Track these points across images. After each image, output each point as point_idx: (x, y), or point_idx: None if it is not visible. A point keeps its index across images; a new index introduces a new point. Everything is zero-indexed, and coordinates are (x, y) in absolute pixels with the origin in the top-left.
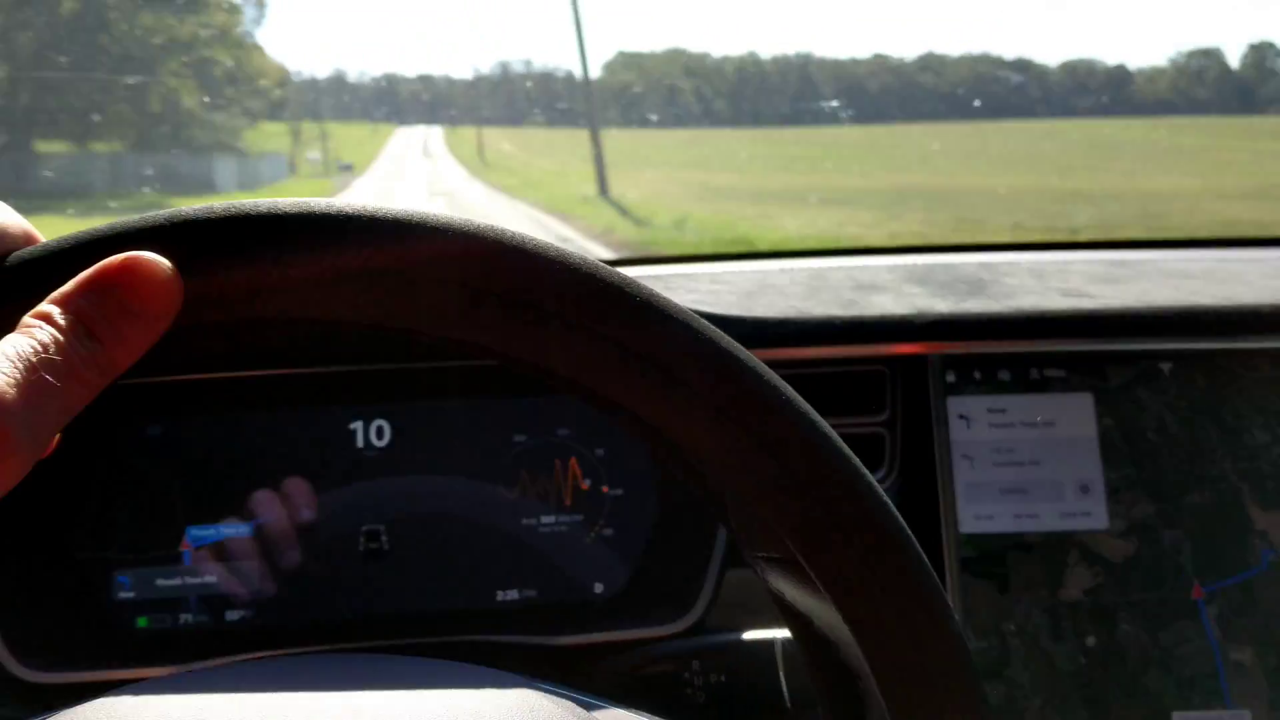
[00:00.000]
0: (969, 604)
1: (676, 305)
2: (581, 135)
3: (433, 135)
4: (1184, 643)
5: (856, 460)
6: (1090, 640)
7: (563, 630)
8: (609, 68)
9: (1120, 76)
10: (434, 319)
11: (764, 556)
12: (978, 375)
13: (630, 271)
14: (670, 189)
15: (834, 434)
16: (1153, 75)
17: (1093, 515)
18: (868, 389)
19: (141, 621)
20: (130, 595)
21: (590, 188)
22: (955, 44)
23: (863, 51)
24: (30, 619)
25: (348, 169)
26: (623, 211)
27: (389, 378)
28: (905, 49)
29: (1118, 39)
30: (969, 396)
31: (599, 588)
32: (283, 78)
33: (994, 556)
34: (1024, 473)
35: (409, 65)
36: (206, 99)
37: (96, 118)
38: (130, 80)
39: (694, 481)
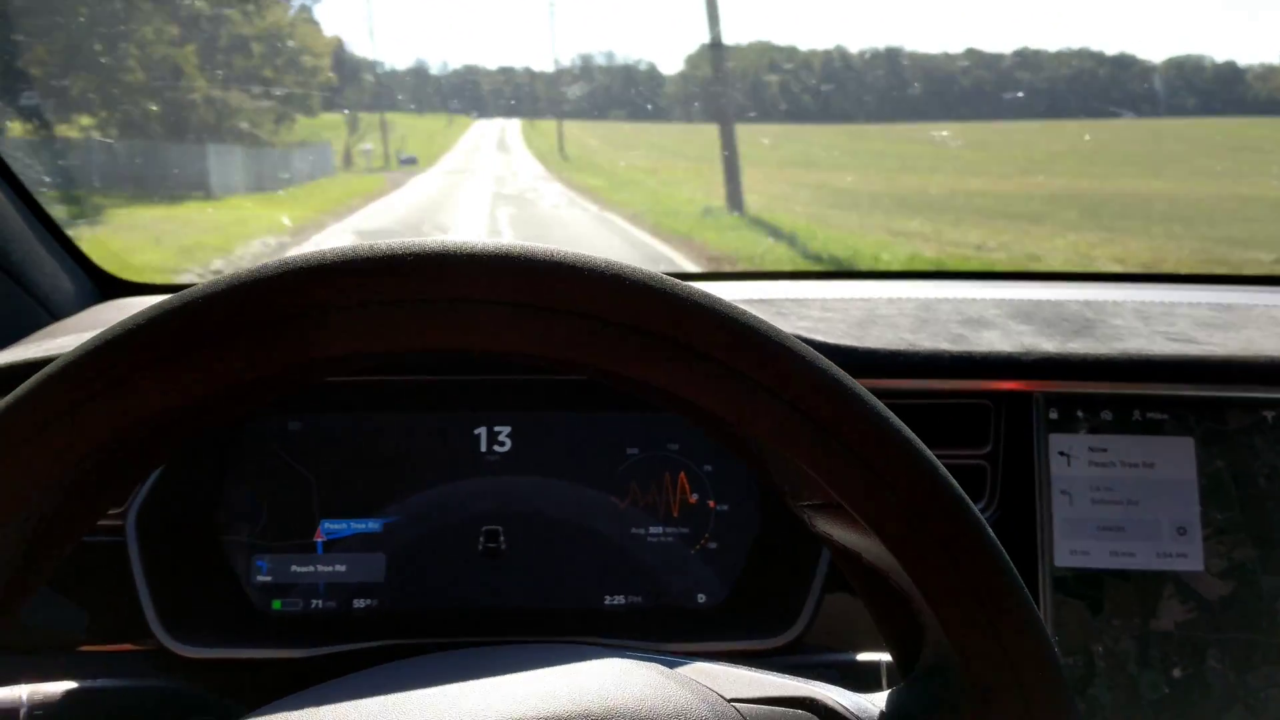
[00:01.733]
0: (1060, 619)
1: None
2: (669, 130)
3: (510, 128)
4: (1271, 686)
5: (891, 414)
6: (1177, 672)
7: (666, 638)
8: (690, 61)
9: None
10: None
11: (808, 504)
12: (1080, 414)
13: (733, 289)
14: (780, 189)
15: (863, 389)
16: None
17: (1189, 557)
18: (972, 422)
19: (276, 604)
20: (268, 579)
21: (704, 191)
22: (1050, 40)
23: (955, 46)
24: (180, 598)
25: (410, 162)
26: (774, 234)
27: (512, 388)
28: (999, 44)
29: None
30: (1071, 434)
31: (702, 599)
32: (336, 59)
33: (1090, 579)
34: (1122, 511)
35: (490, 57)
36: (221, 74)
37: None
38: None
39: (737, 444)
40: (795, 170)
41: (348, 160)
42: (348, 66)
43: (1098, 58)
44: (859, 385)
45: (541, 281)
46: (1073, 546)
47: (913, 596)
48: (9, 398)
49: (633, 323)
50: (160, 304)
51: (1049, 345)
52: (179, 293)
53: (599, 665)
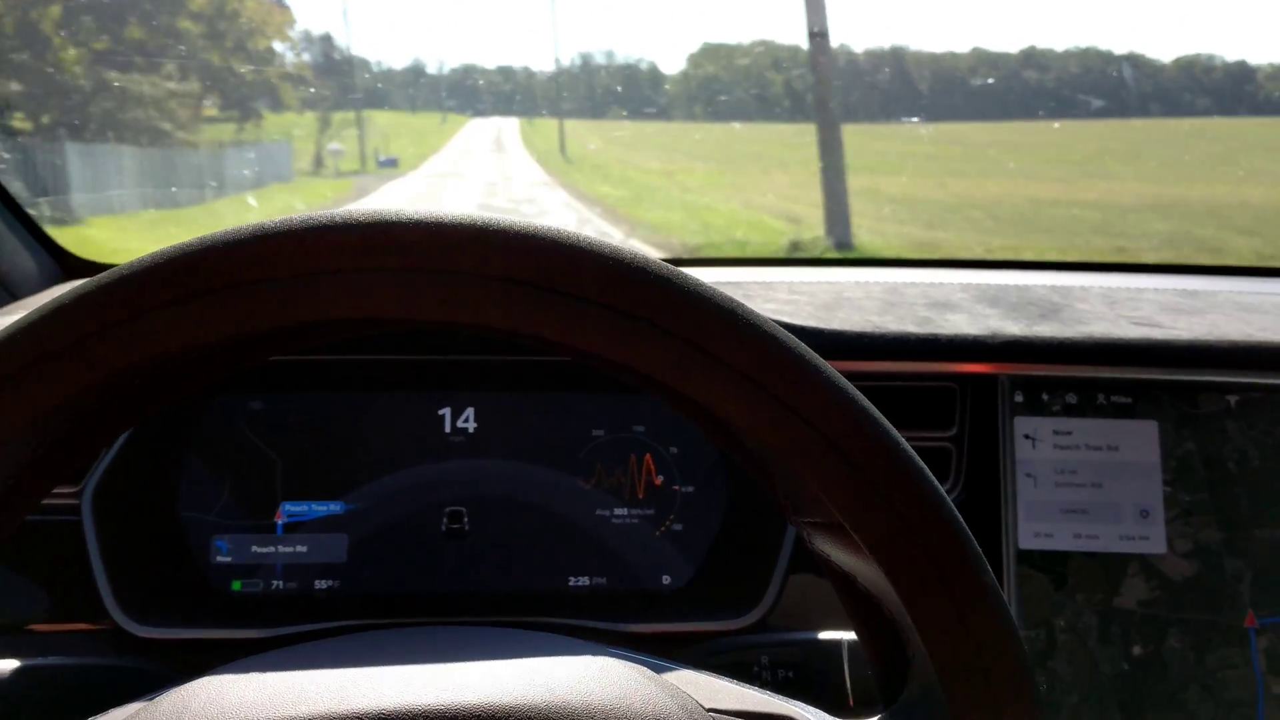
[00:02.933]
0: (1023, 593)
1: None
2: (680, 130)
3: (508, 128)
4: (1228, 668)
5: (896, 433)
6: (1136, 649)
7: (631, 619)
8: (693, 60)
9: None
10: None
11: (809, 521)
12: (1045, 397)
13: (703, 274)
14: (861, 204)
15: (880, 415)
16: None
17: (1151, 540)
18: (938, 404)
19: (236, 585)
20: (227, 560)
21: (740, 196)
22: (1058, 39)
23: (962, 45)
24: (137, 578)
25: (389, 164)
26: None
27: (477, 369)
28: (1008, 43)
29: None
30: (1036, 417)
31: (666, 580)
32: (302, 43)
33: (1055, 555)
34: (1085, 494)
35: (486, 52)
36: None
37: None
38: None
39: (742, 454)
40: (868, 177)
41: (319, 163)
42: (319, 54)
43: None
44: (873, 408)
45: (559, 264)
46: (1036, 529)
47: (904, 626)
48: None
49: (649, 318)
50: (150, 255)
51: (1015, 328)
52: (164, 248)
53: (581, 660)
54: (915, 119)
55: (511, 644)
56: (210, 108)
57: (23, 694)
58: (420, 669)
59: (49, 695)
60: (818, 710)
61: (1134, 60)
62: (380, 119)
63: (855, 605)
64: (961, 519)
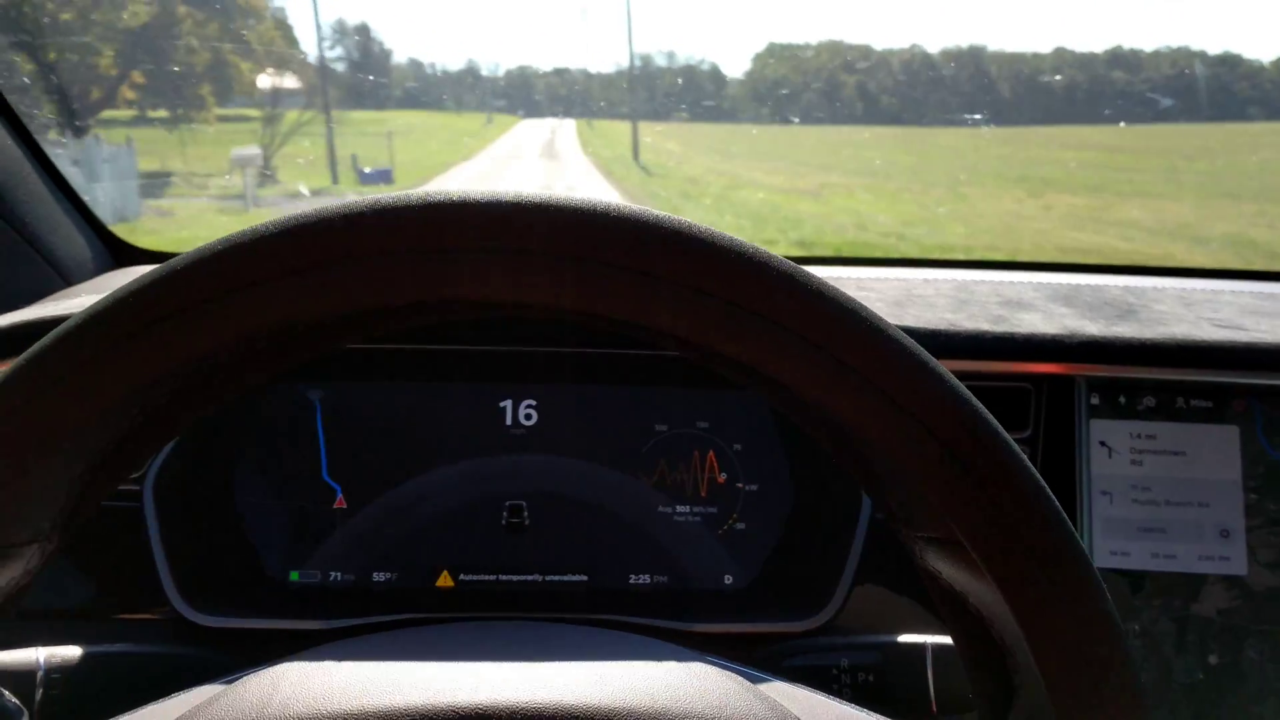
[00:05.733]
0: None
1: (864, 307)
2: (777, 132)
3: (563, 130)
4: None
5: (1025, 457)
6: (1213, 659)
7: (693, 618)
8: (758, 60)
9: None
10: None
11: (923, 536)
12: (1123, 400)
13: None
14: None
15: (1004, 431)
16: None
17: (1231, 560)
18: (1012, 406)
19: (294, 575)
20: (284, 550)
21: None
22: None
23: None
24: (197, 567)
25: (378, 178)
26: None
27: (539, 360)
28: (1093, 43)
29: None
30: (1112, 420)
31: (729, 580)
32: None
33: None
34: (1163, 511)
35: (538, 54)
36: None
37: None
38: None
39: (855, 464)
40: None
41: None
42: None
43: None
44: (997, 423)
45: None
46: (1113, 547)
47: (1015, 651)
48: (95, 306)
49: (775, 318)
50: (234, 235)
51: (1092, 328)
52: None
53: (682, 666)
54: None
55: (603, 644)
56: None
57: (87, 680)
58: (516, 666)
59: (113, 682)
60: None
61: None
62: (411, 119)
63: (963, 625)
64: (1082, 544)
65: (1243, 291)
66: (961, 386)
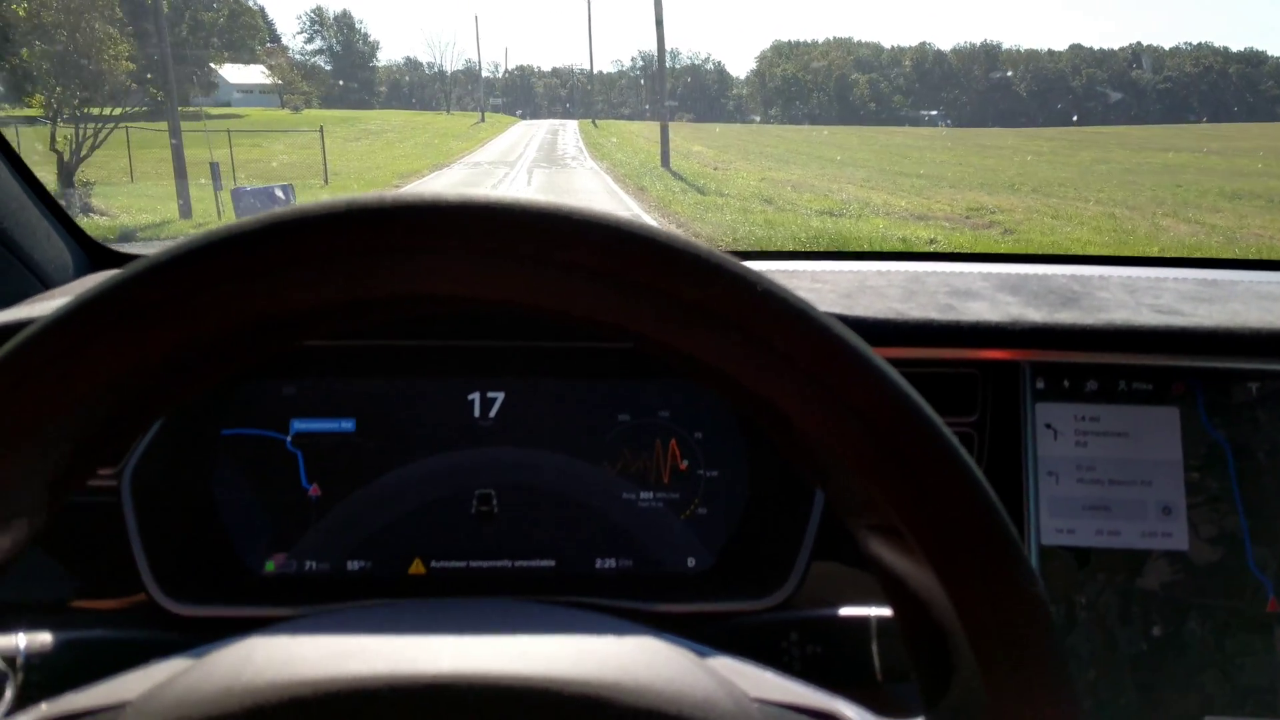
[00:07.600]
0: (1046, 569)
1: (796, 296)
2: (736, 131)
3: (566, 131)
4: (1249, 654)
5: (960, 447)
6: (1156, 630)
7: (657, 599)
8: (762, 59)
9: None
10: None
11: (864, 524)
12: (1066, 384)
13: None
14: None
15: (940, 421)
16: None
17: (1174, 536)
18: (959, 391)
19: (269, 565)
20: (260, 540)
21: None
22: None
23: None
24: (174, 557)
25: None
26: None
27: (505, 354)
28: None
29: None
30: (1057, 404)
31: (691, 562)
32: None
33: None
34: (1107, 490)
35: (540, 56)
36: None
37: None
38: None
39: (799, 455)
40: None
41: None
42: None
43: None
44: (930, 409)
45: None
46: (1059, 525)
47: (952, 633)
48: (72, 302)
49: (715, 310)
50: (218, 229)
51: (1036, 315)
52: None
53: (632, 640)
54: None
55: (560, 620)
56: None
57: (64, 667)
58: (474, 640)
59: (91, 666)
60: (863, 709)
61: None
62: (391, 118)
63: (904, 607)
64: (1013, 527)
65: (1186, 279)
66: (898, 377)
